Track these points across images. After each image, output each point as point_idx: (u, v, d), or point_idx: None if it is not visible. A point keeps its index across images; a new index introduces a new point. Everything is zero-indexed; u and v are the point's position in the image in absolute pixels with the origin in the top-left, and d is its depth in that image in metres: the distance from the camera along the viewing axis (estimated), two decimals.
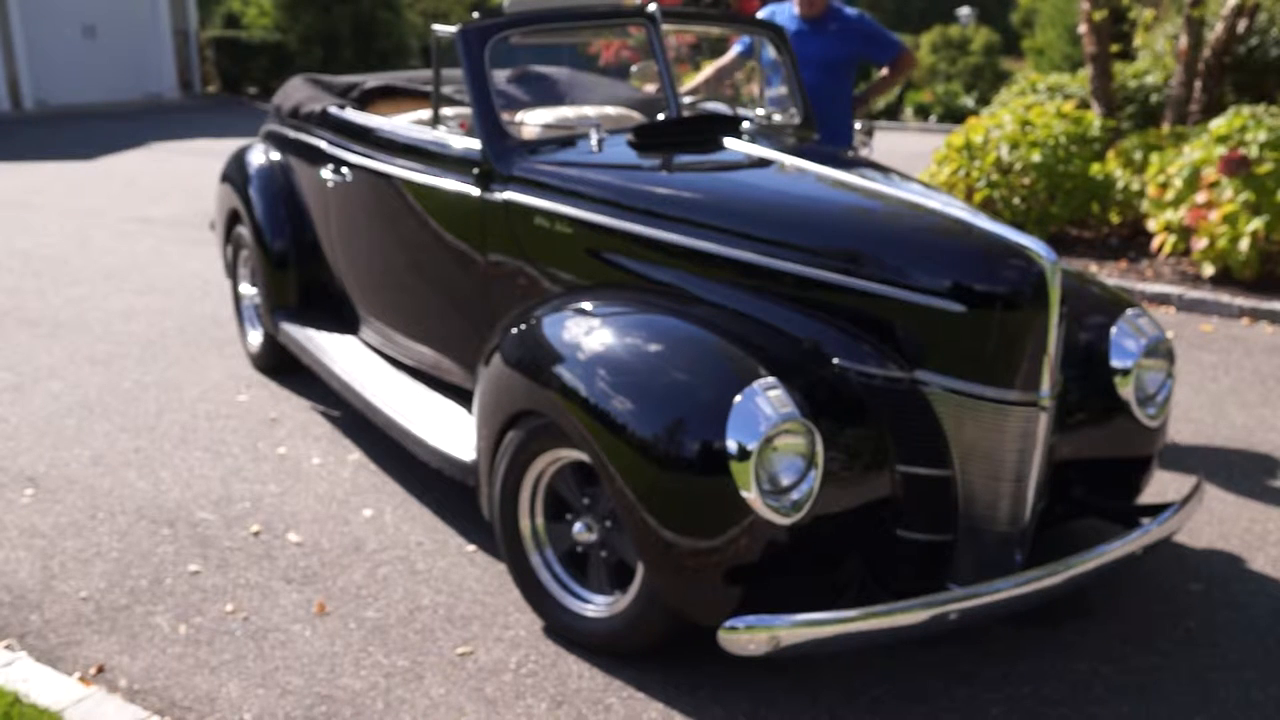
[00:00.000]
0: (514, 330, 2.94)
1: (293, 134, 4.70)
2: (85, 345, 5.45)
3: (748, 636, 2.41)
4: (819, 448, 2.46)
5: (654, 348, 2.64)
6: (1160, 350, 2.99)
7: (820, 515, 2.50)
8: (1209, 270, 6.23)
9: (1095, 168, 7.24)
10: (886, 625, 2.45)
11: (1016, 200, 7.23)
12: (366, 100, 4.70)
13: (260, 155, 4.91)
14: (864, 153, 4.65)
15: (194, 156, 12.51)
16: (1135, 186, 7.12)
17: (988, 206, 7.20)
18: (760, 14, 4.61)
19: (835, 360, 2.67)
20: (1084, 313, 2.98)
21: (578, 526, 2.81)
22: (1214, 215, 6.11)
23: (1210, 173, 6.22)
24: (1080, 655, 2.79)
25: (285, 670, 2.78)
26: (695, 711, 2.59)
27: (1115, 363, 2.91)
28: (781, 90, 4.12)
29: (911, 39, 18.72)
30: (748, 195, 3.14)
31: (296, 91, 4.84)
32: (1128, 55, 10.62)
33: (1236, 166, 6.07)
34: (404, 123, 4.11)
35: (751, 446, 2.38)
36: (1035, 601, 2.59)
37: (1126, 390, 2.90)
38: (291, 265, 4.64)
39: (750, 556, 2.46)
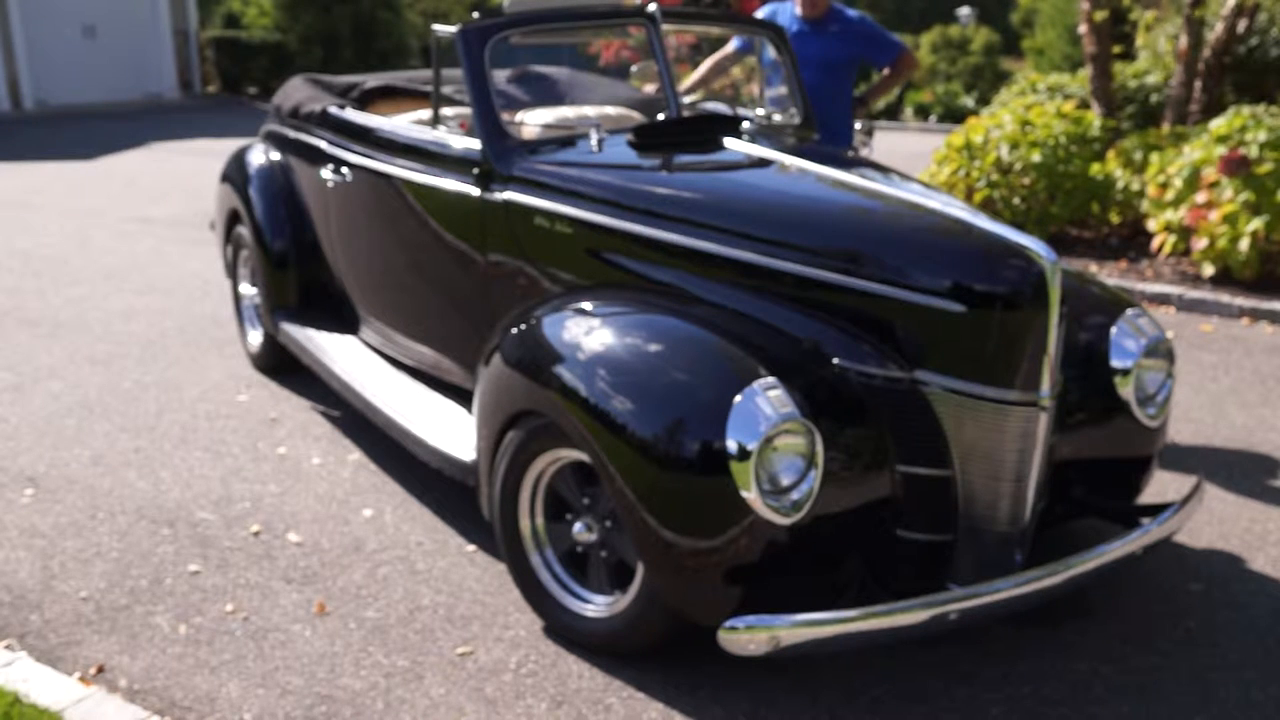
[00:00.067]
0: (514, 330, 2.94)
1: (293, 134, 4.70)
2: (85, 345, 5.45)
3: (748, 636, 2.41)
4: (819, 448, 2.46)
5: (654, 348, 2.64)
6: (1160, 350, 3.00)
7: (820, 515, 2.50)
8: (1209, 270, 6.23)
9: (1095, 168, 7.24)
10: (886, 625, 2.45)
11: (1016, 200, 7.23)
12: (366, 100, 4.70)
13: (260, 155, 4.91)
14: (864, 153, 4.65)
15: (194, 156, 12.51)
16: (1135, 186, 7.12)
17: (988, 206, 7.21)
18: (761, 13, 4.61)
19: (835, 360, 2.67)
20: (1084, 313, 2.98)
21: (578, 526, 2.82)
22: (1214, 215, 6.11)
23: (1210, 173, 6.22)
24: (1080, 655, 2.79)
25: (285, 670, 2.78)
26: (695, 711, 2.59)
27: (1115, 363, 2.91)
28: (781, 90, 4.12)
29: (911, 39, 18.72)
30: (748, 195, 3.14)
31: (296, 91, 4.84)
32: (1129, 56, 10.62)
33: (1236, 166, 6.07)
34: (404, 123, 4.11)
35: (751, 446, 2.38)
36: (1035, 601, 2.59)
37: (1126, 390, 2.90)
38: (291, 265, 4.64)
39: (750, 556, 2.46)
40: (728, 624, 2.43)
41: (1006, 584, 2.53)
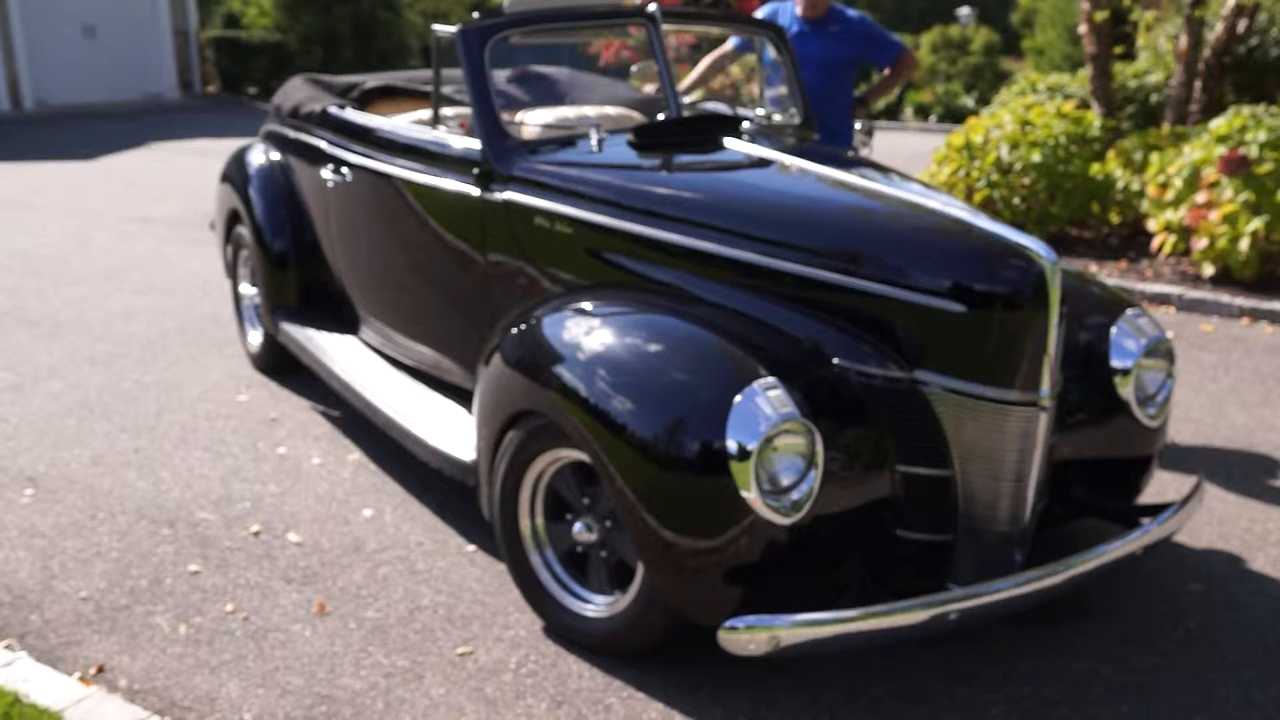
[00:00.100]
0: (514, 330, 2.94)
1: (293, 134, 4.70)
2: (85, 345, 5.45)
3: (748, 636, 2.41)
4: (819, 448, 2.46)
5: (654, 348, 2.64)
6: (1160, 350, 3.00)
7: (820, 515, 2.50)
8: (1209, 270, 6.23)
9: (1095, 168, 7.24)
10: (886, 625, 2.45)
11: (1016, 200, 7.24)
12: (366, 100, 4.70)
13: (260, 155, 4.91)
14: (864, 153, 4.65)
15: (194, 156, 12.51)
16: (1135, 186, 7.12)
17: (988, 206, 7.21)
18: (761, 12, 4.61)
19: (835, 360, 2.67)
20: (1084, 313, 2.98)
21: (578, 526, 2.81)
22: (1214, 215, 6.11)
23: (1210, 173, 6.22)
24: (1080, 655, 2.79)
25: (285, 670, 2.78)
26: (695, 711, 2.59)
27: (1115, 363, 2.91)
28: (781, 90, 4.12)
29: (911, 39, 18.72)
30: (748, 195, 3.14)
31: (296, 91, 4.84)
32: (1130, 56, 10.63)
33: (1236, 166, 6.07)
34: (404, 123, 4.11)
35: (751, 446, 2.38)
36: (1035, 601, 2.59)
37: (1126, 390, 2.90)
38: (291, 265, 4.64)
39: (750, 556, 2.46)
40: (728, 624, 2.43)
41: (1006, 584, 2.53)
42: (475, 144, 3.43)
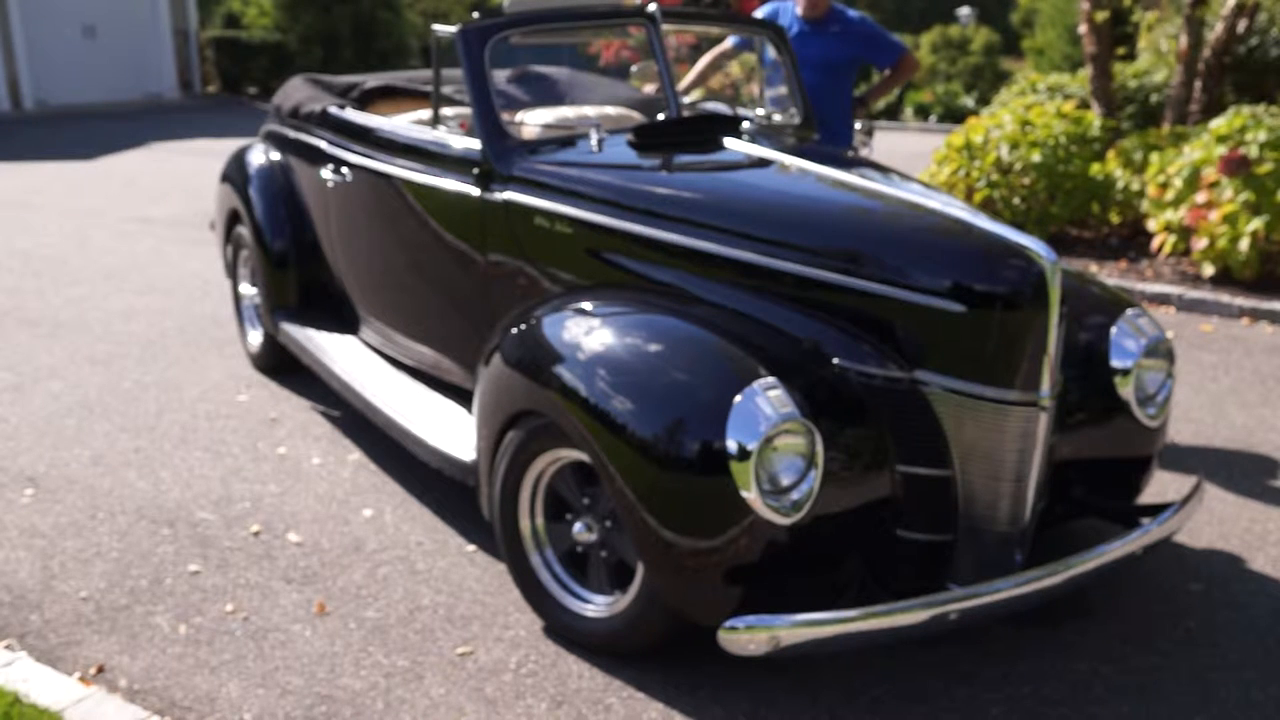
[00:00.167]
0: (514, 330, 2.94)
1: (293, 134, 4.70)
2: (85, 345, 5.45)
3: (748, 636, 2.41)
4: (819, 448, 2.46)
5: (654, 348, 2.64)
6: (1160, 350, 2.99)
7: (820, 515, 2.50)
8: (1209, 270, 6.23)
9: (1095, 168, 7.24)
10: (886, 625, 2.45)
11: (1016, 200, 7.23)
12: (366, 100, 4.70)
13: (260, 155, 4.91)
14: (864, 153, 4.65)
15: (194, 156, 12.52)
16: (1135, 186, 7.12)
17: (988, 206, 7.21)
18: (761, 12, 4.62)
19: (835, 360, 2.67)
20: (1084, 313, 2.98)
21: (578, 526, 2.81)
22: (1214, 215, 6.11)
23: (1210, 173, 6.22)
24: (1080, 655, 2.79)
25: (285, 670, 2.78)
26: (695, 711, 2.59)
27: (1115, 363, 2.91)
28: (781, 90, 4.12)
29: (911, 39, 18.73)
30: (748, 195, 3.14)
31: (296, 91, 4.84)
32: (1130, 56, 10.63)
33: (1236, 166, 6.07)
34: (404, 123, 4.11)
35: (751, 446, 2.38)
36: (1035, 601, 2.59)
37: (1126, 390, 2.90)
38: (291, 265, 4.64)
39: (750, 556, 2.46)
40: (728, 624, 2.43)
41: (1006, 584, 2.53)
42: (475, 144, 3.43)
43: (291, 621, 2.99)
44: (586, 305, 2.88)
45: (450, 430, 3.43)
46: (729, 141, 3.39)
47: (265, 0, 21.15)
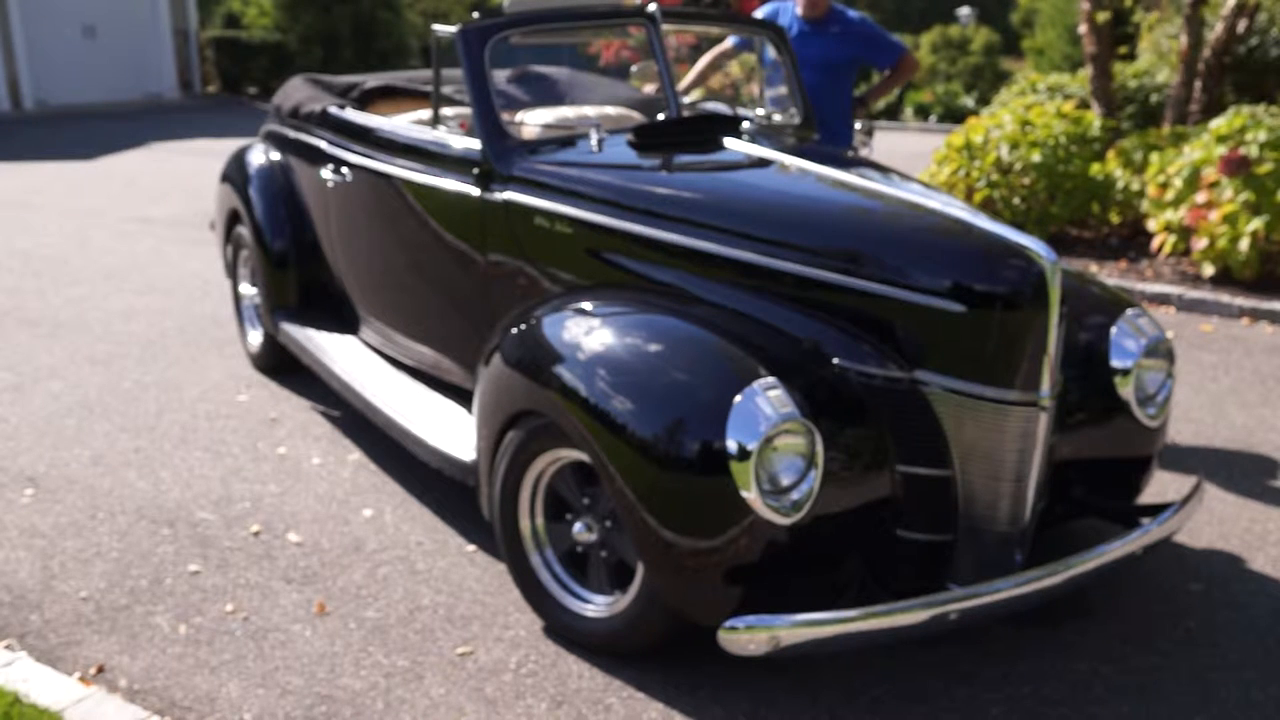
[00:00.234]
0: (514, 330, 2.94)
1: (293, 134, 4.70)
2: (85, 345, 5.45)
3: (748, 636, 2.41)
4: (819, 448, 2.46)
5: (654, 348, 2.64)
6: (1160, 350, 2.99)
7: (820, 515, 2.50)
8: (1209, 270, 6.23)
9: (1095, 168, 7.24)
10: (886, 625, 2.45)
11: (1016, 200, 7.23)
12: (366, 100, 4.70)
13: (260, 155, 4.91)
14: (864, 153, 4.65)
15: (194, 156, 12.52)
16: (1135, 186, 7.12)
17: (988, 206, 7.21)
18: (761, 12, 4.62)
19: (835, 360, 2.67)
20: (1084, 313, 2.98)
21: (578, 526, 2.81)
22: (1214, 215, 6.11)
23: (1210, 173, 6.22)
24: (1080, 655, 2.79)
25: (285, 670, 2.78)
26: (695, 711, 2.59)
27: (1115, 363, 2.91)
28: (781, 90, 4.13)
29: (911, 39, 18.73)
30: (748, 195, 3.14)
31: (296, 91, 4.84)
32: (1131, 56, 10.64)
33: (1236, 166, 6.07)
34: (404, 123, 4.11)
35: (751, 446, 2.38)
36: (1035, 601, 2.59)
37: (1126, 390, 2.90)
38: (291, 265, 4.64)
39: (750, 556, 2.46)
40: (728, 624, 2.43)
41: (1006, 584, 2.53)
42: (475, 144, 3.43)
43: (291, 621, 2.99)
44: (586, 305, 2.88)
45: (450, 430, 3.43)
46: (729, 141, 3.39)
47: (265, 0, 21.15)
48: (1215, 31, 8.19)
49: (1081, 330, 2.95)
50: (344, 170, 4.16)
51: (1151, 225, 6.69)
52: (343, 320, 4.48)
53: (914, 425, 2.62)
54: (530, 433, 2.82)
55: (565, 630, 2.86)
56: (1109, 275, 6.55)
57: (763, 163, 3.27)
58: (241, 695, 2.67)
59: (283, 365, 4.80)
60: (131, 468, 4.00)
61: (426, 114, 4.20)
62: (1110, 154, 7.46)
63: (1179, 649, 2.83)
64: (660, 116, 3.62)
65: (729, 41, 4.76)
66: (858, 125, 4.64)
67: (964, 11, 20.41)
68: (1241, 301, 5.91)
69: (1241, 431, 4.27)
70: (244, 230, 4.80)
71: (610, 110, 4.17)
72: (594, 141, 3.37)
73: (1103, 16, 8.06)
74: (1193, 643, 2.85)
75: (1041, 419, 2.56)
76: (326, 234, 4.49)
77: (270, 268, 4.65)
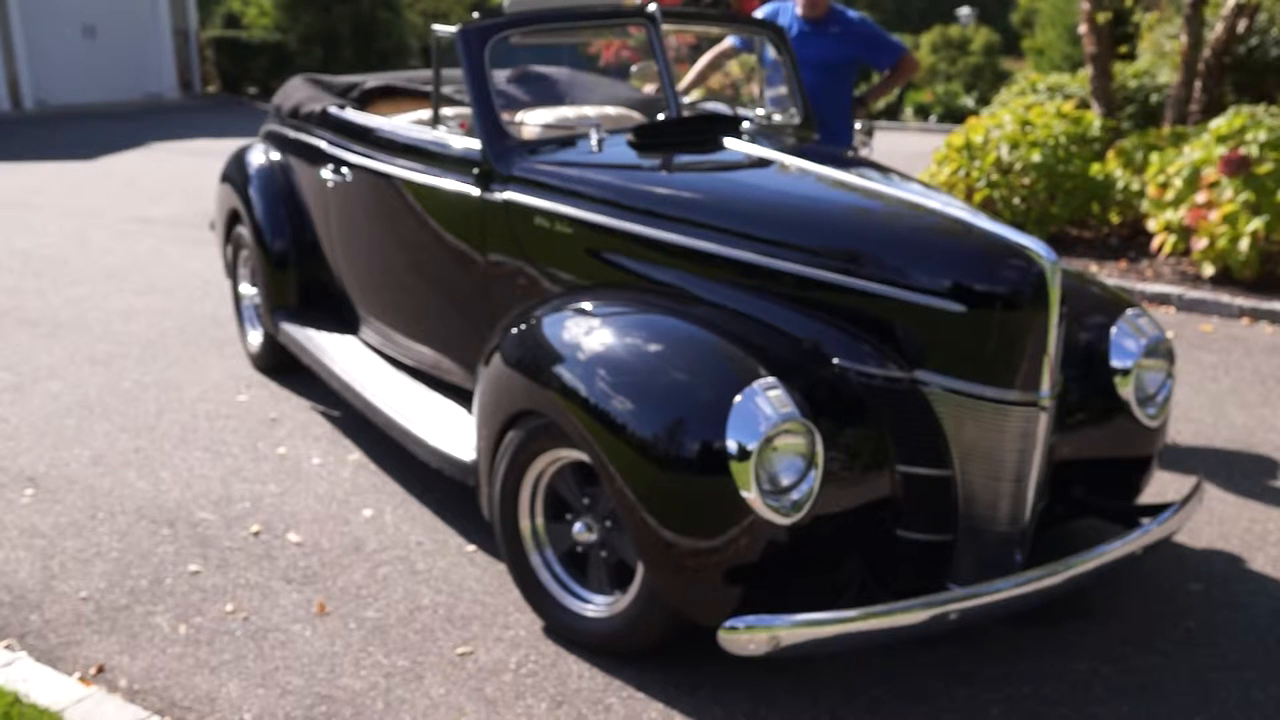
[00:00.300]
0: (514, 330, 2.94)
1: (293, 134, 4.70)
2: (85, 345, 5.45)
3: (748, 636, 2.41)
4: (819, 448, 2.46)
5: (654, 348, 2.64)
6: (1160, 350, 2.99)
7: (820, 515, 2.50)
8: (1209, 270, 6.23)
9: (1095, 168, 7.24)
10: (886, 625, 2.45)
11: (1016, 200, 7.23)
12: (366, 100, 4.70)
13: (260, 155, 4.91)
14: (864, 153, 4.65)
15: (194, 156, 12.52)
16: (1135, 186, 7.12)
17: (988, 206, 7.21)
18: (761, 12, 4.62)
19: (835, 360, 2.67)
20: (1084, 313, 2.98)
21: (578, 526, 2.81)
22: (1214, 215, 6.11)
23: (1210, 173, 6.22)
24: (1080, 655, 2.79)
25: (285, 670, 2.78)
26: (695, 711, 2.59)
27: (1115, 363, 2.91)
28: (781, 90, 4.13)
29: (911, 39, 18.73)
30: (748, 195, 3.14)
31: (296, 91, 4.84)
32: (1131, 56, 10.64)
33: (1236, 166, 6.07)
34: (404, 123, 4.11)
35: (751, 446, 2.38)
36: (1035, 601, 2.59)
37: (1126, 390, 2.90)
38: (291, 265, 4.64)
39: (750, 556, 2.46)
40: (728, 624, 2.43)
41: (1006, 584, 2.53)
42: (475, 144, 3.43)
43: (291, 621, 2.99)
44: (586, 305, 2.88)
45: (450, 430, 3.43)
46: (729, 141, 3.39)
47: (265, 0, 21.15)
48: (1215, 31, 8.19)
49: (1081, 330, 2.95)
50: (344, 170, 4.16)
51: (1151, 225, 6.69)
52: (343, 320, 4.48)
53: (914, 425, 2.62)
54: (530, 433, 2.82)
55: (565, 630, 2.86)
56: (1109, 275, 6.55)
57: (763, 163, 3.27)
58: (241, 695, 2.67)
59: (283, 365, 4.80)
60: (131, 468, 4.00)
61: (426, 114, 4.20)
62: (1110, 154, 7.46)
63: (1179, 649, 2.83)
64: (660, 116, 3.62)
65: (729, 41, 4.76)
66: (858, 125, 4.64)
67: (964, 11, 20.41)
68: (1241, 301, 5.91)
69: (1241, 431, 4.27)
70: (244, 230, 4.80)
71: (610, 110, 4.17)
72: (594, 141, 3.37)
73: (1103, 16, 8.06)
74: (1193, 643, 2.85)
75: (1041, 419, 2.56)
76: (326, 234, 4.49)
77: (270, 268, 4.65)
